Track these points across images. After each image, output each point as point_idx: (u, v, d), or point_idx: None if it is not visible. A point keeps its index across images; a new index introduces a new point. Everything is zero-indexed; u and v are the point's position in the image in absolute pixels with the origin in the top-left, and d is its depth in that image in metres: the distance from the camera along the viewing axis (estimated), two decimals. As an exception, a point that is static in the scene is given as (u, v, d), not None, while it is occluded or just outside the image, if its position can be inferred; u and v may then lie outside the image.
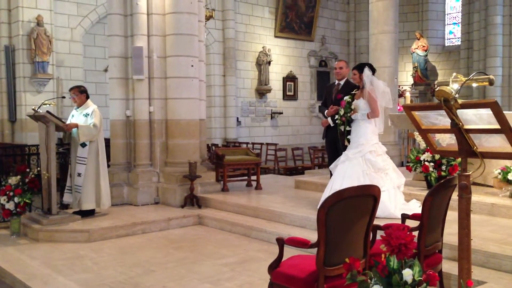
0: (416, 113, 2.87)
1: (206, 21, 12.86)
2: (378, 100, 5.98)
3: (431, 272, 2.42)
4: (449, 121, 2.68)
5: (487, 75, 2.62)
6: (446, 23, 18.70)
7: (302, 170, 12.40)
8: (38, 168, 6.79)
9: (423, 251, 3.75)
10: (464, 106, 2.56)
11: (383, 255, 2.56)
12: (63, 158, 7.77)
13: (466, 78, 2.58)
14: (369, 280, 2.52)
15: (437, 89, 2.61)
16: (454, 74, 2.60)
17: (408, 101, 7.17)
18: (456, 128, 2.64)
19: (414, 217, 4.05)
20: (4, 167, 7.98)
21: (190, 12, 7.86)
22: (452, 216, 3.85)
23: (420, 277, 2.42)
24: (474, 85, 2.56)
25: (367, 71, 6.02)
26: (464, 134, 2.66)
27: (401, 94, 13.04)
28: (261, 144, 14.39)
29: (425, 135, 2.90)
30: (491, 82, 2.58)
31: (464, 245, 2.72)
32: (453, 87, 2.65)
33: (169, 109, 7.95)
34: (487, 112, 2.48)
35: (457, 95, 2.57)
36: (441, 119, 2.78)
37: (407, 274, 2.38)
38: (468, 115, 2.65)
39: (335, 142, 6.53)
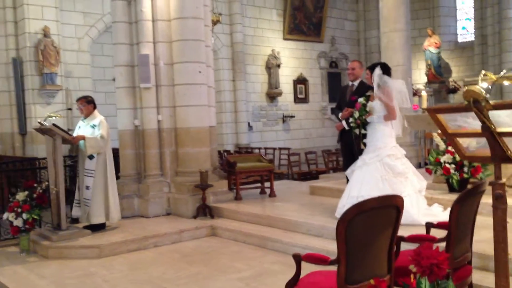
0: (442, 116, 2.62)
1: (213, 26, 12.66)
2: (393, 101, 5.70)
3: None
4: (480, 123, 2.43)
5: (521, 72, 2.35)
6: (458, 19, 18.32)
7: (316, 174, 12.11)
8: (46, 183, 6.63)
9: (452, 264, 3.49)
10: (497, 107, 2.30)
11: (412, 276, 2.31)
12: (72, 171, 7.61)
13: (498, 76, 2.32)
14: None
15: (465, 89, 2.36)
16: (483, 72, 2.34)
17: (424, 101, 6.91)
18: (488, 131, 2.39)
19: (440, 225, 3.79)
20: (13, 182, 7.84)
21: (196, 17, 7.66)
22: (478, 220, 3.58)
23: (456, 300, 2.17)
24: (506, 83, 2.30)
25: (377, 71, 5.73)
26: (497, 138, 2.40)
27: (415, 93, 12.71)
28: (274, 148, 14.13)
29: (452, 139, 2.65)
30: (525, 80, 2.31)
31: (501, 261, 2.45)
32: (482, 86, 2.39)
33: (178, 117, 7.74)
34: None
35: (488, 95, 2.32)
36: (471, 121, 2.52)
37: (441, 298, 2.13)
38: (500, 117, 2.39)
39: (351, 146, 6.28)
